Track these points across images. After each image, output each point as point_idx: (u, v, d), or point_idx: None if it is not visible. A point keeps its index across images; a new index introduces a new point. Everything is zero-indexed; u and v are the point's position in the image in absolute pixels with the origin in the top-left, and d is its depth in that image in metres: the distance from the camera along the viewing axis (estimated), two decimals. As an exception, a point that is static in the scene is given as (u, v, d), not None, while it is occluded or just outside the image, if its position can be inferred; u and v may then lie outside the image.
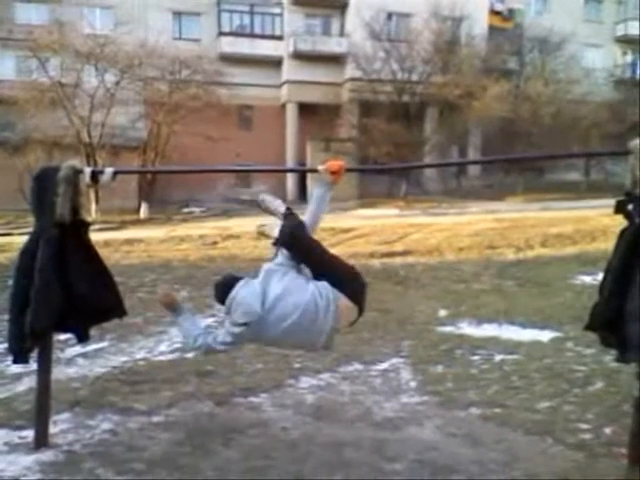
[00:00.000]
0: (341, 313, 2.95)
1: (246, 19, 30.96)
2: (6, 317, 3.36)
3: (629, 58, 35.71)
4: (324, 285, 2.97)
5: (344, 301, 2.96)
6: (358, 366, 4.76)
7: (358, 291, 3.05)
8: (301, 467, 3.09)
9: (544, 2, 34.71)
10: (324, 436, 3.45)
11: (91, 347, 5.19)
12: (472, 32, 29.43)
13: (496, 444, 3.35)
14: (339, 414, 3.81)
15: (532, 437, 3.43)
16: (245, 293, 2.95)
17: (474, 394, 4.11)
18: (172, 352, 5.32)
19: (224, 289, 3.02)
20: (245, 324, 2.93)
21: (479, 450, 3.28)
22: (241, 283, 3.01)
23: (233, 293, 2.97)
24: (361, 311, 3.05)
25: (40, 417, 3.37)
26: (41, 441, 3.34)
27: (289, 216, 3.20)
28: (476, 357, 4.95)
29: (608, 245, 2.92)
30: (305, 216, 3.18)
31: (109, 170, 3.41)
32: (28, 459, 3.21)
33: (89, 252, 3.47)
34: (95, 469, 3.10)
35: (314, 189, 3.23)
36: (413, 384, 4.38)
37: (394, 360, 4.90)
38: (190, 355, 5.18)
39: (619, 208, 2.80)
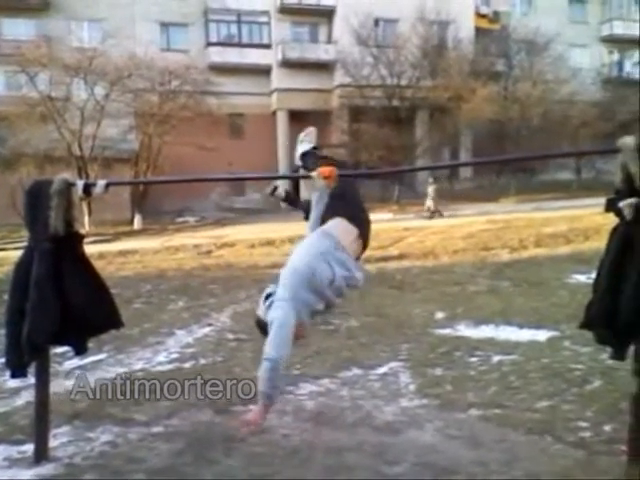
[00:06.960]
0: (340, 232, 3.26)
1: (234, 29, 31.09)
2: (2, 331, 3.34)
3: (615, 57, 36.07)
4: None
5: (339, 221, 3.32)
6: (357, 371, 4.76)
7: (356, 215, 3.39)
8: (303, 473, 3.09)
9: (529, 4, 35.07)
10: (325, 441, 3.45)
11: (89, 359, 5.18)
12: (459, 35, 29.68)
13: (497, 444, 3.36)
14: (339, 419, 3.80)
15: (532, 436, 3.43)
16: None
17: (473, 395, 4.11)
18: (170, 362, 5.31)
19: None
20: None
21: (480, 451, 3.28)
22: None
23: None
24: (365, 244, 3.41)
25: (39, 431, 3.35)
26: (41, 455, 3.32)
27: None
28: (474, 358, 4.96)
29: (601, 243, 2.94)
30: (310, 223, 3.36)
31: (101, 182, 3.41)
32: (28, 473, 3.20)
33: (84, 264, 3.46)
34: (96, 481, 3.09)
35: (312, 196, 3.38)
36: (412, 387, 4.37)
37: (393, 364, 4.89)
38: (187, 365, 5.18)
39: (609, 206, 2.82)
